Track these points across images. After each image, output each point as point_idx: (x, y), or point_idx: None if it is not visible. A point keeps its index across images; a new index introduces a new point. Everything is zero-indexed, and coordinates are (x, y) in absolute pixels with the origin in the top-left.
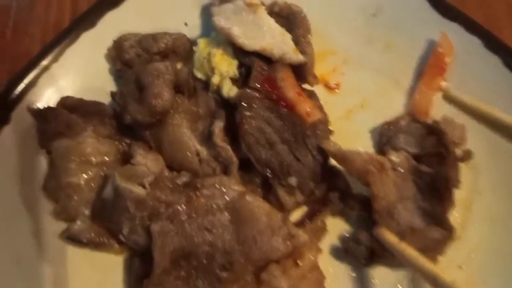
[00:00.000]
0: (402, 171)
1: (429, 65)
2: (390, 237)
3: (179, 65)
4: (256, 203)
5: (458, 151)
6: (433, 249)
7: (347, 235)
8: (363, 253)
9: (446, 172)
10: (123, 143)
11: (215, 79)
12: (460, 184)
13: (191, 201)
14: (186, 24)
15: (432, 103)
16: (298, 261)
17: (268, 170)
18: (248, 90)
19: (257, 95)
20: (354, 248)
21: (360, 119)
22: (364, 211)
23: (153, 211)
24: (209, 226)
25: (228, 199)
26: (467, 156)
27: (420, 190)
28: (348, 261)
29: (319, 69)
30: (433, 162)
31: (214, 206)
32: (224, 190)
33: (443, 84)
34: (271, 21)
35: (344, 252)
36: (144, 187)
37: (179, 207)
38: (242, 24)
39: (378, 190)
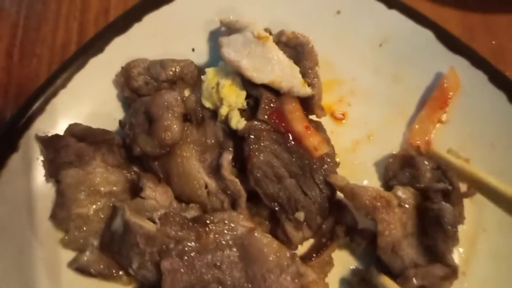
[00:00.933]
0: (408, 207)
1: (433, 97)
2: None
3: (186, 92)
4: (265, 241)
5: (463, 187)
6: (436, 286)
7: (352, 269)
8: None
9: (451, 209)
10: (132, 172)
11: (223, 110)
12: (464, 220)
13: (200, 237)
14: (193, 49)
15: (430, 134)
16: None
17: (276, 204)
18: (256, 123)
19: (265, 127)
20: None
21: (367, 151)
22: (370, 246)
23: (162, 247)
24: (218, 263)
25: (237, 235)
26: (471, 191)
27: (424, 227)
28: None
29: (326, 98)
30: (438, 197)
31: (223, 242)
32: (233, 226)
33: (444, 116)
34: (279, 54)
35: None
36: (154, 222)
37: (188, 244)
38: (251, 56)
39: (384, 228)
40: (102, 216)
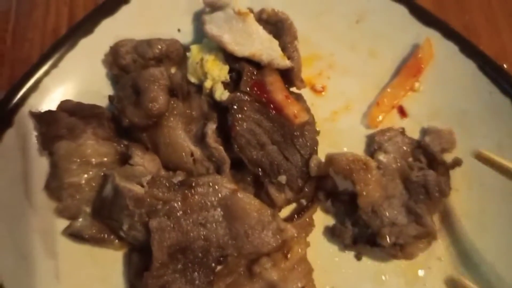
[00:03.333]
0: (390, 170)
1: (407, 65)
2: None
3: (173, 70)
4: (248, 200)
5: (449, 158)
6: (411, 245)
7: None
8: (348, 235)
9: (437, 180)
10: (121, 145)
11: (208, 83)
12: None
13: (186, 198)
14: (179, 30)
15: (400, 99)
16: (288, 254)
17: (259, 169)
18: (239, 94)
19: (247, 98)
20: (340, 230)
21: (345, 121)
22: (350, 208)
23: (150, 208)
24: (204, 222)
25: (221, 196)
26: (456, 163)
27: (408, 190)
28: (335, 255)
29: (305, 72)
30: (424, 168)
31: (208, 203)
32: (217, 188)
33: (417, 85)
34: (259, 29)
35: (331, 233)
36: (142, 186)
37: (175, 204)
38: (232, 31)
39: (362, 188)
40: (94, 184)
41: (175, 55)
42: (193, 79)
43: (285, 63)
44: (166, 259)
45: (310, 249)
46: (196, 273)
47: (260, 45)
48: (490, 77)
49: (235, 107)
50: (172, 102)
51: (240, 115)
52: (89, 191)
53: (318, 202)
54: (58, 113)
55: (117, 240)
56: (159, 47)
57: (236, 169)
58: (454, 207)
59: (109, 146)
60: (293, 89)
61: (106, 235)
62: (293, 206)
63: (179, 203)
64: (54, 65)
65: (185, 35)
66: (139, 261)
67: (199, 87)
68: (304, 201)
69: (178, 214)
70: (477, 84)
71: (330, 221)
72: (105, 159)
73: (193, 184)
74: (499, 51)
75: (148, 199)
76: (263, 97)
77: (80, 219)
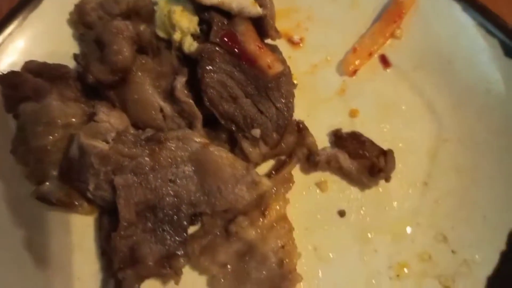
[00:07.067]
0: None
1: (388, 11)
2: None
3: (142, 27)
4: (219, 154)
5: None
6: None
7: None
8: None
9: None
10: (90, 106)
11: (177, 36)
12: None
13: (154, 154)
14: None
15: (379, 46)
16: (265, 212)
17: (232, 123)
18: (209, 45)
19: (218, 49)
20: (315, 160)
21: (325, 73)
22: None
23: (116, 166)
24: (173, 178)
25: (191, 150)
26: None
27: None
28: (317, 212)
29: (282, 24)
30: None
31: (178, 158)
32: (187, 142)
33: (398, 31)
34: None
35: (306, 162)
36: (107, 142)
37: (142, 160)
38: None
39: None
40: (61, 147)
41: (144, 11)
42: (161, 34)
43: (256, 10)
44: (133, 218)
45: (291, 207)
46: (166, 232)
47: None
48: (475, 18)
49: (205, 58)
50: (141, 59)
51: (210, 67)
52: (56, 154)
53: (296, 157)
54: (22, 74)
55: (86, 204)
56: (126, 2)
57: (211, 127)
58: (442, 160)
59: (76, 106)
60: (269, 41)
61: (74, 199)
62: (271, 163)
63: (147, 159)
64: (18, 25)
65: None
66: (109, 224)
67: (169, 43)
68: (283, 158)
69: (146, 170)
70: (462, 27)
71: (311, 178)
72: (73, 120)
73: (162, 139)
74: None
75: (113, 156)
76: (234, 48)
77: (47, 183)
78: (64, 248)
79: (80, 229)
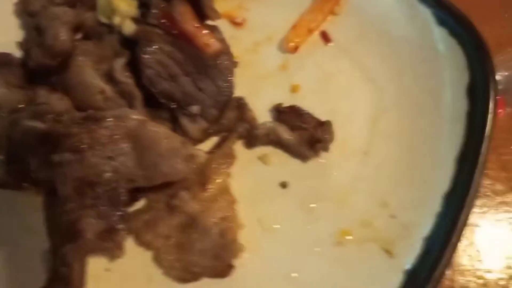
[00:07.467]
0: None
1: None
2: None
3: (87, 15)
4: (156, 129)
5: None
6: None
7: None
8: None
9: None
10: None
11: (117, 20)
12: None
13: (92, 132)
14: None
15: (318, 23)
16: (206, 186)
17: (172, 102)
18: (147, 26)
19: (156, 30)
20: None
21: (267, 51)
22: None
23: (54, 144)
24: (112, 155)
25: (129, 127)
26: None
27: None
28: (260, 185)
29: (223, 6)
30: None
31: (116, 135)
32: (125, 119)
33: (337, 8)
34: None
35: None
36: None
37: (79, 138)
38: None
39: None
40: (7, 132)
41: None
42: (103, 19)
43: None
44: (72, 193)
45: (235, 182)
46: (106, 207)
47: None
48: None
49: (142, 39)
50: (83, 45)
51: (147, 48)
52: (3, 139)
53: (236, 132)
54: None
55: (33, 187)
56: None
57: (154, 107)
58: (382, 128)
59: (22, 93)
60: (210, 23)
61: (22, 182)
62: (214, 139)
63: (84, 136)
64: None
65: None
66: (53, 204)
67: (112, 28)
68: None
69: (84, 148)
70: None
71: (254, 153)
72: (18, 105)
73: (98, 117)
74: None
75: (50, 135)
76: (172, 29)
77: None
78: (13, 231)
79: (29, 212)
